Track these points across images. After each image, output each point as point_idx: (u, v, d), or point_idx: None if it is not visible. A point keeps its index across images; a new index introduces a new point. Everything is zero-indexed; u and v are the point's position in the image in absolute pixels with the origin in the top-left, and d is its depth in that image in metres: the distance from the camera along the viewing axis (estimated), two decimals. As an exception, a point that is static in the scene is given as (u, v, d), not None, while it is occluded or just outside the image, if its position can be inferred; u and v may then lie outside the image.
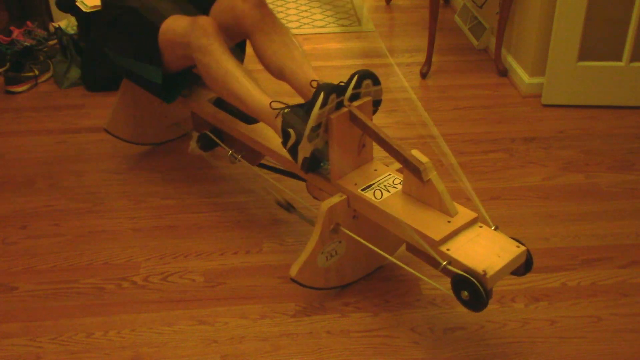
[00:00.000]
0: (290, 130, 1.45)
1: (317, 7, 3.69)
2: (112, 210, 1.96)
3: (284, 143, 1.49)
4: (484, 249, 1.30)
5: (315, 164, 1.54)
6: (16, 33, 2.94)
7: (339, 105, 1.45)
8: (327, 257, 1.53)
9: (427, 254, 1.35)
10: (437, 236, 1.32)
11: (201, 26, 1.62)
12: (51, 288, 1.68)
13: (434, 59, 2.82)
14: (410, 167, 1.38)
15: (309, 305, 1.60)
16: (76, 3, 2.65)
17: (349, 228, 1.51)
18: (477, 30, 3.09)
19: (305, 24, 3.47)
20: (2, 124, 2.48)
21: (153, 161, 2.20)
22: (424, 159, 1.36)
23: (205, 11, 1.82)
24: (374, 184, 1.50)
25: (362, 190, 1.48)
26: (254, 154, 1.86)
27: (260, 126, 1.73)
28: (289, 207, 1.78)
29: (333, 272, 1.58)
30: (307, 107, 1.43)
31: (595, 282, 1.64)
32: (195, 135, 1.95)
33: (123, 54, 1.87)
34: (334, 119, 1.43)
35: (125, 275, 1.71)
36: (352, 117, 1.46)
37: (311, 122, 1.41)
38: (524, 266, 1.32)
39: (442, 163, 2.15)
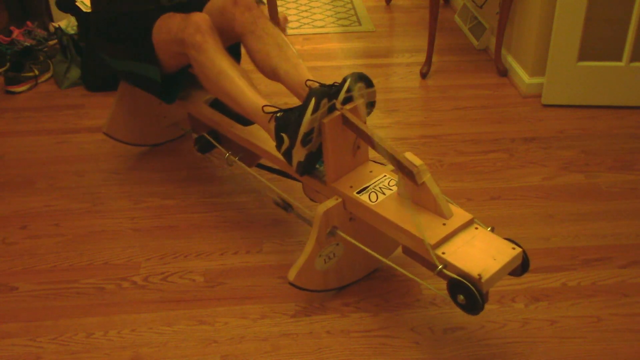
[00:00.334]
0: (284, 135, 1.45)
1: (317, 7, 3.69)
2: (112, 210, 1.96)
3: (278, 147, 1.49)
4: (480, 252, 1.29)
5: (310, 167, 1.53)
6: (16, 33, 2.94)
7: (332, 108, 1.44)
8: (325, 260, 1.53)
9: (423, 257, 1.35)
10: (432, 240, 1.31)
11: (194, 22, 1.61)
12: (51, 288, 1.68)
13: (434, 59, 2.82)
14: (404, 171, 1.37)
15: (309, 305, 1.60)
16: (76, 3, 2.65)
17: (346, 230, 1.51)
18: (477, 30, 3.09)
19: (305, 24, 3.47)
20: (2, 124, 2.48)
21: (153, 161, 2.20)
22: (417, 161, 1.35)
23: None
24: (369, 186, 1.50)
25: (358, 192, 1.48)
26: (251, 156, 1.85)
27: (256, 128, 1.73)
28: (286, 206, 1.78)
29: (332, 274, 1.58)
30: (299, 112, 1.41)
31: (595, 282, 1.64)
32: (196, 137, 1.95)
33: (120, 58, 1.86)
34: (326, 123, 1.43)
35: (125, 275, 1.71)
36: (345, 121, 1.45)
37: (303, 128, 1.40)
38: (520, 267, 1.32)
39: (443, 163, 2.15)
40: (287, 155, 1.48)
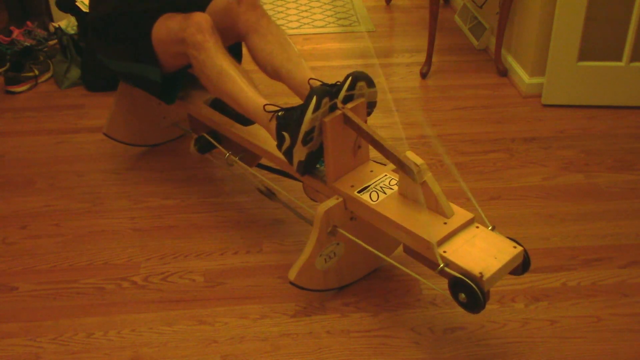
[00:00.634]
0: (285, 134, 1.45)
1: (317, 7, 3.69)
2: (112, 210, 1.96)
3: (279, 146, 1.49)
4: (481, 251, 1.30)
5: (310, 167, 1.53)
6: (16, 33, 2.94)
7: (333, 107, 1.44)
8: (325, 259, 1.53)
9: (424, 256, 1.35)
10: (433, 239, 1.31)
11: (196, 22, 1.61)
12: (51, 288, 1.68)
13: (434, 59, 2.82)
14: (405, 169, 1.38)
15: (309, 305, 1.60)
16: (76, 3, 2.65)
17: (346, 230, 1.51)
18: (477, 30, 3.09)
19: (305, 24, 3.47)
20: (2, 124, 2.48)
21: (153, 161, 2.20)
22: (418, 160, 1.35)
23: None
24: (370, 185, 1.50)
25: (359, 192, 1.48)
26: (251, 156, 1.85)
27: (256, 128, 1.73)
28: (269, 194, 1.78)
29: (332, 273, 1.58)
30: (300, 110, 1.41)
31: (595, 282, 1.64)
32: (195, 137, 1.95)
33: (119, 59, 1.86)
34: (327, 122, 1.43)
35: (125, 275, 1.71)
36: (346, 120, 1.45)
37: (304, 126, 1.40)
38: (521, 266, 1.32)
39: (442, 163, 2.15)
40: (288, 154, 1.48)
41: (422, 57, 2.85)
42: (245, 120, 1.73)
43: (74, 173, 2.15)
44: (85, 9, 2.62)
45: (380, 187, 1.49)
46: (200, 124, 1.93)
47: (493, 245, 1.31)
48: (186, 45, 1.62)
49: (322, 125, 1.43)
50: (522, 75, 2.59)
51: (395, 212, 1.40)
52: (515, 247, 1.30)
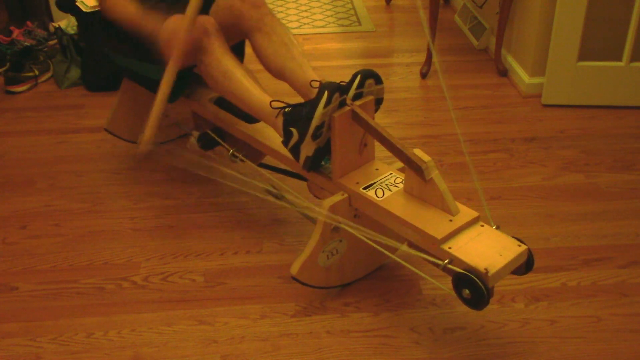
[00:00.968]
0: (293, 129, 1.45)
1: (317, 7, 3.69)
2: (112, 210, 1.96)
3: (286, 142, 1.49)
4: (486, 248, 1.30)
5: (317, 164, 1.54)
6: (16, 33, 2.94)
7: (342, 104, 1.45)
8: (328, 256, 1.53)
9: (429, 252, 1.35)
10: (438, 235, 1.32)
11: (201, 25, 1.62)
12: (51, 288, 1.68)
13: (434, 59, 2.82)
14: (412, 166, 1.39)
15: (309, 305, 1.60)
16: (76, 3, 2.64)
17: (350, 227, 1.51)
18: (477, 30, 3.09)
19: (305, 24, 3.47)
20: (2, 124, 2.48)
21: (153, 161, 2.20)
22: (426, 157, 1.37)
23: (205, 12, 1.82)
24: (375, 182, 1.50)
25: (364, 189, 1.48)
26: (255, 154, 1.86)
27: (262, 125, 1.74)
28: (279, 196, 1.79)
29: (334, 271, 1.58)
30: (309, 106, 1.42)
31: (595, 282, 1.64)
32: (195, 133, 1.95)
33: (124, 55, 1.87)
34: (336, 118, 1.44)
35: (125, 275, 1.71)
36: (355, 116, 1.46)
37: (315, 121, 1.41)
38: (524, 265, 1.32)
39: (443, 163, 2.15)
40: (295, 150, 1.48)
41: (422, 57, 2.85)
42: (250, 118, 1.74)
43: (74, 173, 2.15)
44: (85, 9, 2.62)
45: (386, 184, 1.49)
46: (204, 121, 1.93)
47: (498, 243, 1.31)
48: (192, 47, 1.63)
49: (332, 120, 1.44)
50: (522, 75, 2.59)
51: (400, 209, 1.41)
52: (520, 246, 1.31)
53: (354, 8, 3.67)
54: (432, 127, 2.38)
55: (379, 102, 1.56)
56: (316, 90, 1.45)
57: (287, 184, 1.83)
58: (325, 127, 1.45)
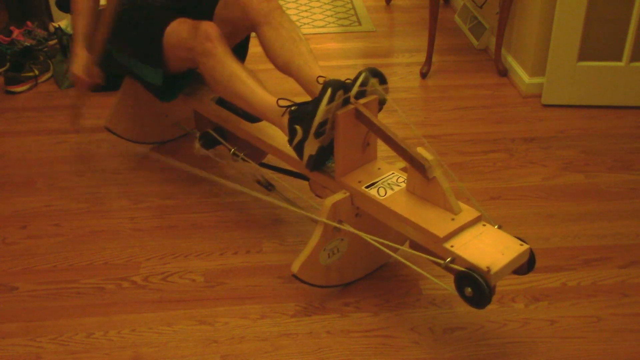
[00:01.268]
0: (297, 127, 1.45)
1: (317, 7, 3.69)
2: (112, 210, 1.96)
3: (290, 140, 1.49)
4: (488, 246, 1.30)
5: (320, 162, 1.54)
6: (16, 33, 2.94)
7: (345, 102, 1.45)
8: (329, 254, 1.53)
9: (431, 251, 1.36)
10: (441, 233, 1.32)
11: (204, 31, 1.63)
12: (51, 288, 1.68)
13: (434, 59, 2.82)
14: (415, 165, 1.39)
15: (309, 305, 1.60)
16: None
17: (352, 226, 1.51)
18: (477, 30, 3.09)
19: (305, 24, 3.47)
20: (2, 124, 2.48)
21: (153, 161, 2.20)
22: (429, 156, 1.37)
23: (210, 10, 1.83)
24: (378, 181, 1.50)
25: (366, 187, 1.48)
26: (256, 153, 1.86)
27: (264, 124, 1.74)
28: (268, 185, 1.79)
29: (334, 270, 1.58)
30: (313, 104, 1.42)
31: (595, 282, 1.64)
32: (197, 134, 1.95)
33: (125, 53, 1.87)
34: (340, 116, 1.44)
35: (125, 275, 1.71)
36: (359, 115, 1.46)
37: (318, 117, 1.41)
38: (526, 265, 1.33)
39: (442, 163, 2.15)
40: (299, 148, 1.48)
41: (422, 57, 2.85)
42: (252, 118, 1.74)
43: (74, 173, 2.15)
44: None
45: (388, 183, 1.49)
46: (206, 120, 1.94)
47: (500, 242, 1.32)
48: (195, 53, 1.65)
49: (335, 118, 1.44)
50: (522, 75, 2.59)
51: (402, 207, 1.41)
52: (522, 245, 1.31)
53: (354, 8, 3.67)
54: (432, 127, 2.38)
55: (382, 102, 1.56)
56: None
57: (286, 180, 1.83)
58: (329, 124, 1.45)
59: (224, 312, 1.59)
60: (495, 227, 1.37)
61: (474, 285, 1.25)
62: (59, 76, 2.75)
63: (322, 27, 3.42)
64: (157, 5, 1.85)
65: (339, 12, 3.63)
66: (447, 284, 1.38)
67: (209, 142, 1.91)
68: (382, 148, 1.54)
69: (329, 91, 1.40)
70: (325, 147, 1.49)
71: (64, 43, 2.76)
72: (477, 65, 2.87)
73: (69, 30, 2.83)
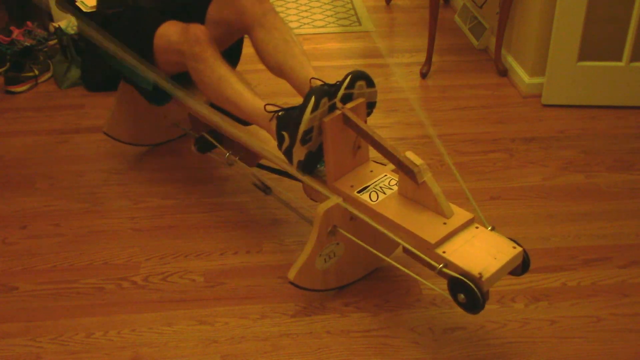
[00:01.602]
0: (285, 134, 1.45)
1: (317, 7, 3.69)
2: (112, 210, 1.96)
3: (279, 146, 1.49)
4: (480, 251, 1.30)
5: (311, 167, 1.53)
6: (16, 33, 2.94)
7: (333, 107, 1.44)
8: (325, 259, 1.53)
9: (423, 256, 1.35)
10: (432, 239, 1.32)
11: (194, 34, 1.63)
12: (51, 288, 1.68)
13: (434, 59, 2.82)
14: (404, 170, 1.38)
15: (309, 305, 1.60)
16: (76, 3, 2.64)
17: (346, 230, 1.51)
18: (477, 30, 3.09)
19: (305, 24, 3.47)
20: (2, 124, 2.48)
21: (153, 161, 2.20)
22: (418, 160, 1.35)
23: (202, 12, 1.82)
24: (369, 185, 1.50)
25: (358, 192, 1.48)
26: (251, 155, 1.85)
27: (257, 128, 1.72)
28: (265, 188, 1.79)
29: (332, 273, 1.58)
30: (299, 110, 1.41)
31: (595, 282, 1.64)
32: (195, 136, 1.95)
33: (116, 56, 1.86)
34: (327, 122, 1.43)
35: (125, 275, 1.71)
36: (346, 120, 1.45)
37: (302, 126, 1.40)
38: (521, 266, 1.32)
39: (442, 163, 2.15)
40: (288, 154, 1.48)
41: (422, 57, 2.85)
42: (243, 120, 1.74)
43: (74, 173, 2.15)
44: (85, 9, 2.62)
45: (380, 187, 1.49)
46: (201, 123, 1.93)
47: (493, 246, 1.31)
48: (185, 56, 1.64)
49: (322, 125, 1.43)
50: (522, 75, 2.59)
51: (394, 213, 1.40)
52: (514, 248, 1.30)
53: (354, 8, 3.67)
54: (432, 127, 2.38)
55: (371, 105, 1.54)
56: None
57: (283, 183, 1.83)
58: (316, 131, 1.44)
59: (223, 312, 1.59)
60: (489, 228, 1.36)
61: (466, 291, 1.24)
62: (59, 76, 2.75)
63: (322, 27, 3.42)
64: (147, 7, 1.83)
65: (339, 12, 3.62)
66: (443, 288, 1.38)
67: (204, 146, 1.90)
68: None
69: (313, 99, 1.38)
70: (314, 152, 1.48)
71: (64, 43, 2.76)
72: (477, 65, 2.87)
73: (69, 30, 2.83)
